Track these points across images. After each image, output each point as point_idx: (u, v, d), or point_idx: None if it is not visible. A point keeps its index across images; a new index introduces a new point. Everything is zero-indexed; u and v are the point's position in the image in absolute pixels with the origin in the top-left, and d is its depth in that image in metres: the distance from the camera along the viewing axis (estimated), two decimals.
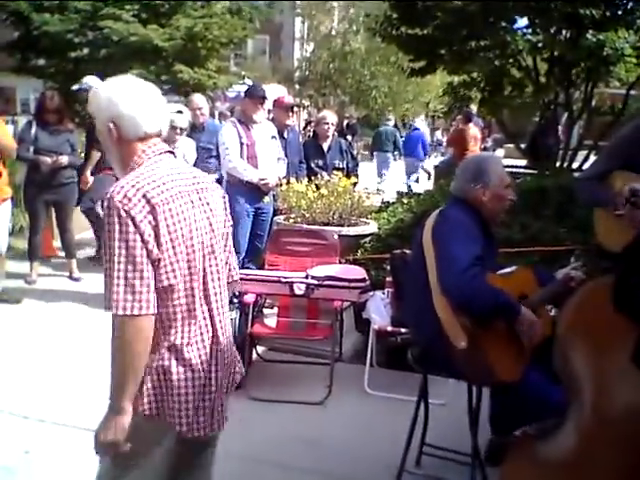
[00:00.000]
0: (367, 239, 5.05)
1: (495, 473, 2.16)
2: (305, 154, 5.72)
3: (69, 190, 5.92)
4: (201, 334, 1.78)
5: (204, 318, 1.79)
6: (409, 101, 23.31)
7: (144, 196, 1.65)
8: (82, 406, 3.46)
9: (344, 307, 4.27)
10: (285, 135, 5.40)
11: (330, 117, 5.87)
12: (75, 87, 6.39)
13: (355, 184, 5.06)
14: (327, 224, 4.52)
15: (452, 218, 2.61)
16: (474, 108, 10.09)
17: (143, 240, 1.62)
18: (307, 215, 4.50)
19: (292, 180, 4.77)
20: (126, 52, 12.95)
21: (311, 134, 7.36)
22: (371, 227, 4.85)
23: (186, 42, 13.55)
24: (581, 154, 8.32)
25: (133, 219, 1.62)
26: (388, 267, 4.26)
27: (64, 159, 5.62)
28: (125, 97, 1.74)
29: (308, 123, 14.54)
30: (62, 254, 6.21)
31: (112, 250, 1.62)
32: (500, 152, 16.42)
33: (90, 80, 6.07)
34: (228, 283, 1.93)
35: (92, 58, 13.21)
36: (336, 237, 4.38)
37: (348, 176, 5.07)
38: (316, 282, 3.90)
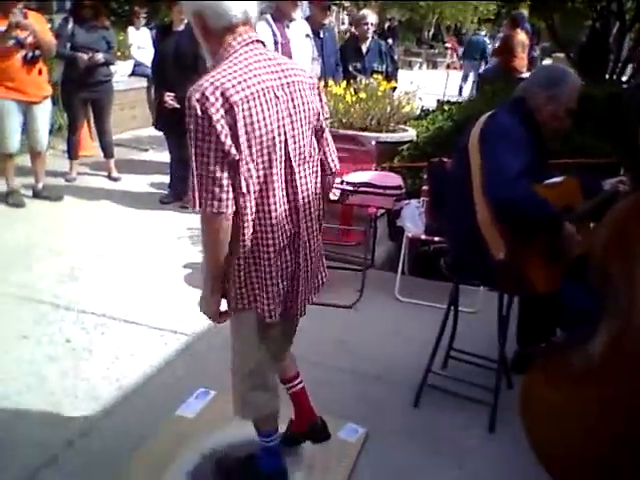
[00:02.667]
0: (405, 146, 4.95)
1: (519, 381, 2.19)
2: (343, 56, 5.54)
3: (106, 88, 5.90)
4: (285, 233, 1.80)
5: (286, 216, 1.79)
6: (455, 3, 22.12)
7: (222, 94, 1.61)
8: (119, 298, 3.60)
9: (378, 214, 4.25)
10: (321, 35, 5.21)
11: (370, 17, 5.62)
12: None
13: (394, 89, 4.89)
14: (364, 129, 4.41)
15: (504, 123, 2.47)
16: (525, 13, 9.53)
17: (220, 140, 1.61)
18: (344, 120, 4.40)
19: (330, 82, 4.63)
20: None
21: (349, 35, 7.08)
22: (409, 134, 4.74)
23: None
24: (631, 67, 7.88)
25: (210, 118, 1.60)
26: (425, 175, 4.20)
27: (100, 56, 5.57)
28: None
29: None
30: (101, 154, 6.27)
31: (191, 149, 1.64)
32: (548, 62, 15.68)
33: None
34: (325, 175, 1.94)
35: None
36: (373, 143, 4.30)
37: (388, 80, 4.91)
38: (351, 188, 3.88)
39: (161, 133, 5.64)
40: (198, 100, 1.60)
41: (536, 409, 1.77)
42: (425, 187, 4.14)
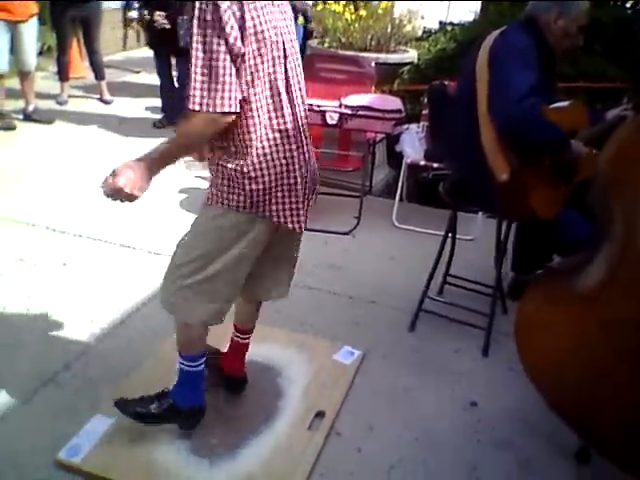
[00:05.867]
0: (405, 69, 4.80)
1: (515, 307, 2.20)
2: None
3: (95, 5, 5.66)
4: (286, 132, 1.73)
5: (290, 120, 1.73)
6: None
7: None
8: (114, 223, 3.57)
9: (377, 140, 4.17)
10: None
11: None
12: None
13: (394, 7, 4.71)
14: (364, 50, 4.26)
15: (515, 41, 2.38)
16: None
17: (225, 32, 1.55)
18: (343, 39, 4.24)
19: None
20: None
21: None
22: (410, 55, 4.58)
23: None
24: None
25: (218, 8, 1.54)
26: (425, 99, 4.09)
27: None
28: None
29: None
30: (92, 76, 6.09)
31: (195, 45, 1.56)
32: None
33: None
34: None
35: None
36: (373, 65, 4.16)
37: None
38: (349, 112, 3.77)
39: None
40: None
41: (531, 332, 1.78)
42: (425, 111, 4.04)
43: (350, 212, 3.81)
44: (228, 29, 1.55)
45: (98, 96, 6.07)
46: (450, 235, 2.84)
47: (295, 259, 2.09)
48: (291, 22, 1.80)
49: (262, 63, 1.65)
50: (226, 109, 1.58)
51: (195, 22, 1.56)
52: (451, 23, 7.00)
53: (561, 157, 2.36)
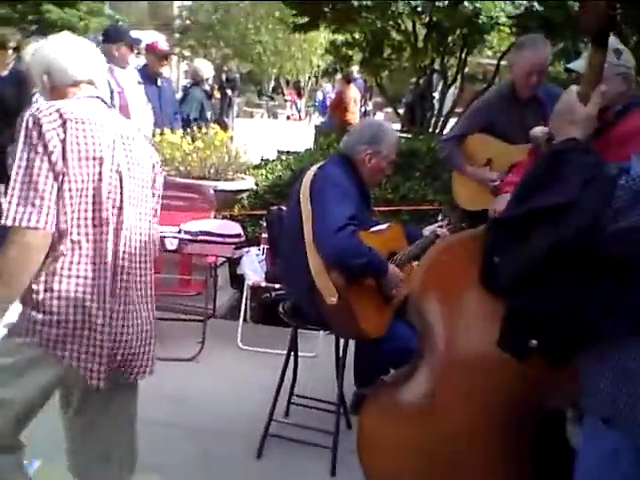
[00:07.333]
0: (244, 195, 5.00)
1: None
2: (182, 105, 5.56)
3: None
4: (96, 271, 1.66)
5: (110, 258, 1.67)
6: (293, 59, 23.09)
7: (57, 111, 1.63)
8: None
9: (218, 263, 4.22)
10: (158, 83, 5.16)
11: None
12: None
13: (232, 138, 4.95)
14: (203, 178, 4.40)
15: (331, 175, 2.62)
16: (356, 69, 10.19)
17: (47, 150, 1.58)
18: (182, 168, 4.35)
19: (166, 131, 4.58)
20: None
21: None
22: (248, 182, 4.80)
23: None
24: (453, 120, 8.68)
25: (41, 127, 1.59)
26: (264, 223, 4.26)
27: None
28: (56, 51, 1.80)
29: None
30: None
31: (16, 162, 1.57)
32: (380, 115, 16.80)
33: None
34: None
35: None
36: (212, 192, 4.29)
37: (224, 130, 4.96)
38: (189, 237, 3.81)
39: None
40: (31, 113, 1.61)
41: (370, 447, 1.82)
42: (265, 235, 4.19)
43: (194, 337, 3.74)
44: (51, 147, 1.58)
45: None
46: (293, 354, 2.88)
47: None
48: (147, 172, 1.82)
49: (85, 186, 1.63)
50: (41, 225, 1.56)
51: (20, 139, 1.59)
52: (287, 151, 7.49)
53: (381, 280, 2.55)
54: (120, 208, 1.70)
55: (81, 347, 1.66)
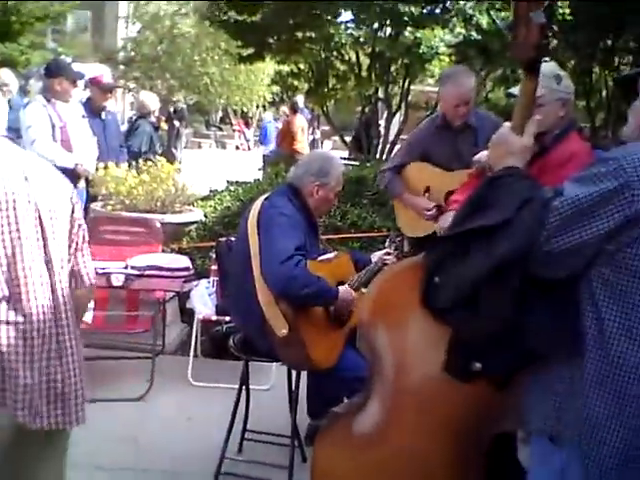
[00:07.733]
0: (192, 227, 4.94)
1: None
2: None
3: None
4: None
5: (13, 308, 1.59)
6: (240, 89, 23.18)
7: None
8: None
9: (167, 298, 4.13)
10: (103, 117, 5.10)
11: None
12: None
13: (178, 170, 4.92)
14: (149, 211, 4.33)
15: (277, 206, 2.62)
16: (302, 99, 10.30)
17: None
18: (127, 202, 4.28)
19: (110, 164, 4.51)
20: None
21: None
22: (196, 214, 4.76)
23: None
24: (399, 147, 8.84)
25: None
26: (214, 255, 4.20)
27: None
28: None
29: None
30: None
31: None
32: (328, 144, 17.00)
33: None
34: (77, 289, 1.76)
35: None
36: (159, 225, 4.22)
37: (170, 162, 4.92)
38: (136, 272, 3.73)
39: None
40: None
41: (324, 478, 1.78)
42: (214, 267, 4.13)
43: (143, 375, 3.63)
44: None
45: None
46: (245, 388, 2.83)
47: None
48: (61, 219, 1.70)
49: None
50: None
51: None
52: (236, 182, 7.47)
53: (332, 306, 2.55)
54: (43, 237, 1.63)
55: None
